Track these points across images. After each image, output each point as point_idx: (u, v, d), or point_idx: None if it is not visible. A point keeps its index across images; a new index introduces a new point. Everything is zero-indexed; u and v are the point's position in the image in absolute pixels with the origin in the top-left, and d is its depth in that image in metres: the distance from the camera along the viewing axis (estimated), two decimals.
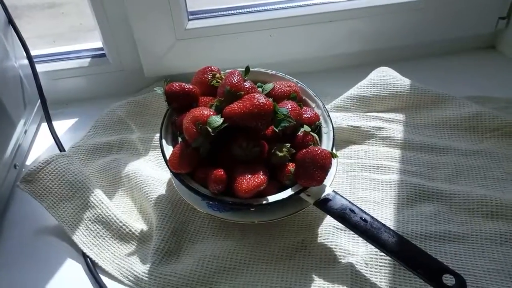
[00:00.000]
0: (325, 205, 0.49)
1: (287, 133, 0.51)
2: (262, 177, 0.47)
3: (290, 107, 0.51)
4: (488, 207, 0.53)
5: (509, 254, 0.49)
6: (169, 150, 0.52)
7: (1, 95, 0.61)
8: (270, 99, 0.49)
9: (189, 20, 0.74)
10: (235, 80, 0.50)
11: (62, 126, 0.75)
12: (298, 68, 0.74)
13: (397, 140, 0.64)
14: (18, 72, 0.68)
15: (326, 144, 0.53)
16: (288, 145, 0.50)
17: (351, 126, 0.66)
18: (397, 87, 0.70)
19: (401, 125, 0.67)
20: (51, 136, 0.68)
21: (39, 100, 0.72)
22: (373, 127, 0.66)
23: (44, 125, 0.73)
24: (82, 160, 0.66)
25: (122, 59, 0.77)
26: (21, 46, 0.70)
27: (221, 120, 0.47)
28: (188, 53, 0.75)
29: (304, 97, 0.58)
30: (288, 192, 0.49)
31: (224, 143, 0.49)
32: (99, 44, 0.78)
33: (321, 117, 0.55)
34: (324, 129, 0.55)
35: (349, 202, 0.49)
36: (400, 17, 0.77)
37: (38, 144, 0.71)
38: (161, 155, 0.52)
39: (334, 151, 0.51)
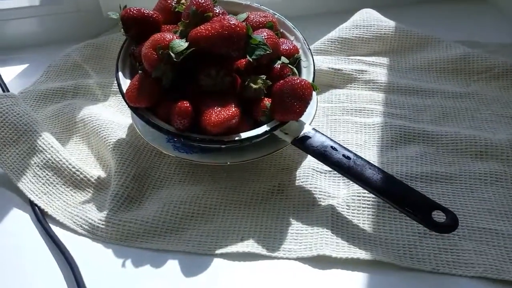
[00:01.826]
0: (304, 143, 0.44)
1: (263, 64, 0.46)
2: (234, 109, 0.42)
3: (266, 35, 0.46)
4: (477, 147, 0.50)
5: (500, 193, 0.46)
6: (126, 83, 0.45)
7: None
8: (243, 22, 0.43)
9: None
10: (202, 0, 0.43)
11: (10, 72, 0.67)
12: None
13: (381, 83, 0.60)
14: None
15: (306, 78, 0.47)
16: (263, 77, 0.45)
17: (332, 68, 0.61)
18: (381, 29, 0.65)
19: (385, 68, 0.63)
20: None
21: None
22: (355, 70, 0.61)
23: None
24: (32, 106, 0.59)
25: None
26: None
27: (186, 44, 0.41)
28: None
29: (281, 30, 0.52)
30: (263, 129, 0.44)
31: (190, 73, 0.43)
32: None
33: (300, 50, 0.50)
34: (303, 63, 0.49)
35: (330, 139, 0.44)
36: None
37: None
38: (123, 101, 0.45)
39: (314, 83, 0.46)
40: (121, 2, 0.66)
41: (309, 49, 0.50)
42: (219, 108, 0.42)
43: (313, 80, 0.47)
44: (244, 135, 0.43)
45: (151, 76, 0.43)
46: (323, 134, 0.45)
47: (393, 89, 0.59)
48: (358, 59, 0.63)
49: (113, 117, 0.55)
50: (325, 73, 0.60)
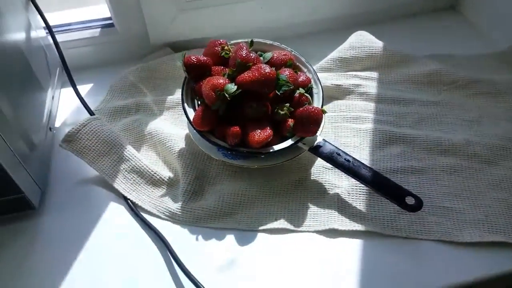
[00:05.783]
0: (317, 151, 0.63)
1: (286, 95, 0.64)
2: (269, 131, 0.60)
3: (288, 73, 0.63)
4: (443, 146, 0.69)
5: (457, 181, 0.65)
6: (189, 111, 0.64)
7: (32, 64, 0.68)
8: (273, 69, 0.61)
9: None
10: (244, 53, 0.61)
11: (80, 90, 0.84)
12: (286, 32, 0.85)
13: (372, 95, 0.78)
14: (40, 43, 0.75)
15: (317, 102, 0.66)
16: (287, 104, 0.63)
17: (334, 84, 0.78)
18: (372, 49, 0.82)
19: (375, 82, 0.80)
20: (79, 100, 0.75)
21: (58, 68, 0.81)
22: (352, 84, 0.78)
23: (64, 91, 0.82)
24: (107, 121, 0.77)
25: (129, 28, 0.85)
26: (38, 16, 0.76)
27: (235, 87, 0.59)
28: (189, 22, 0.84)
29: (297, 63, 0.69)
30: (289, 142, 0.62)
31: (237, 105, 0.61)
32: (107, 13, 0.85)
33: (312, 80, 0.68)
34: (315, 90, 0.67)
35: (336, 147, 0.63)
36: None
37: (63, 108, 0.81)
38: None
39: (323, 108, 0.64)
40: (163, 31, 0.82)
41: (318, 79, 0.68)
42: (259, 131, 0.60)
43: (322, 104, 0.66)
44: (276, 147, 0.62)
45: (210, 109, 0.61)
46: (331, 143, 0.64)
47: (381, 99, 0.77)
48: (354, 75, 0.81)
49: (172, 129, 0.73)
50: (329, 88, 0.78)
